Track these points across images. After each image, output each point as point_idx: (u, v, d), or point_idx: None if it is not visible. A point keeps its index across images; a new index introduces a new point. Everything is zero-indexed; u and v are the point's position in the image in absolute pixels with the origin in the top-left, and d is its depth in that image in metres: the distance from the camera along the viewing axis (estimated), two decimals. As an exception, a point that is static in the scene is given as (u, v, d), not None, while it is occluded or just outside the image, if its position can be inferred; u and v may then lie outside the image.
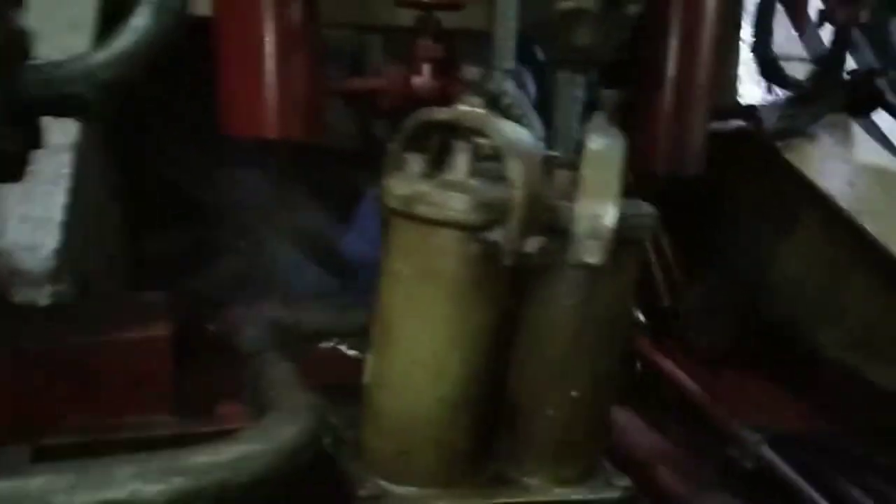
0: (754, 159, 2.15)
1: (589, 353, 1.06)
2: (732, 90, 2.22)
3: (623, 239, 1.01)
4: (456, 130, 1.02)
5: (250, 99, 1.67)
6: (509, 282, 1.02)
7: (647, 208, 1.09)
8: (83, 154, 1.32)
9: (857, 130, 2.24)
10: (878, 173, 2.05)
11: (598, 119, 1.05)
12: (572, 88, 1.61)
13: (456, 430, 1.03)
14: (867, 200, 1.92)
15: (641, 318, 2.23)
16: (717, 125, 2.03)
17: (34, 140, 0.81)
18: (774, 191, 2.14)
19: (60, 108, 0.84)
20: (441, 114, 1.02)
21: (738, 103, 2.17)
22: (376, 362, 1.04)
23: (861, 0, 2.02)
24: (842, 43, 2.11)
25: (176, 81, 1.76)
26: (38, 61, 0.82)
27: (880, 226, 1.83)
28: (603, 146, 0.99)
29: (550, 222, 1.00)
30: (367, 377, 1.06)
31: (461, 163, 1.00)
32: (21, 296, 1.12)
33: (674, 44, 1.87)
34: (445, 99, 1.77)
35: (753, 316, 2.21)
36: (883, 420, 1.84)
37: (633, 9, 1.48)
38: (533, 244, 0.95)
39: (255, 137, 1.69)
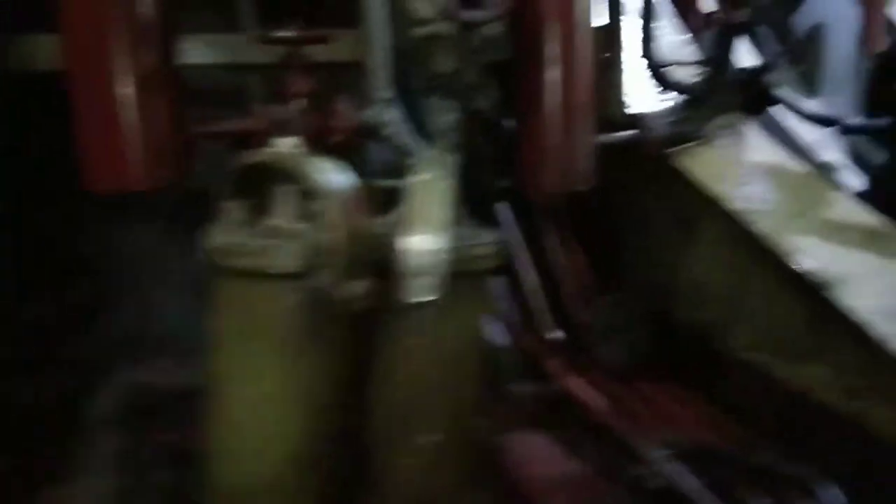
0: (647, 168, 2.14)
1: (438, 394, 1.01)
2: (619, 101, 2.22)
3: (461, 272, 0.97)
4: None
5: (109, 152, 1.60)
6: (347, 327, 0.96)
7: (489, 237, 1.05)
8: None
9: (754, 130, 2.26)
10: (771, 171, 2.05)
11: (431, 153, 1.00)
12: (444, 115, 1.60)
13: (307, 493, 0.97)
14: (759, 200, 1.91)
15: (560, 334, 2.22)
16: (605, 138, 2.03)
17: None
18: (671, 197, 2.14)
19: None
20: (254, 157, 0.96)
21: (626, 114, 2.16)
22: (210, 430, 0.97)
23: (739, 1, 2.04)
24: (725, 44, 2.12)
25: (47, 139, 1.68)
26: None
27: (772, 224, 1.83)
28: (425, 180, 0.94)
29: (385, 261, 0.95)
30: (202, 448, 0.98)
31: (283, 207, 0.95)
32: None
33: (550, 62, 1.86)
34: (323, 135, 1.74)
35: (667, 324, 2.20)
36: (791, 418, 1.83)
37: (491, 31, 1.46)
38: (357, 287, 0.89)
39: (119, 192, 1.62)
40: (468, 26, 1.40)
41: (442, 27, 1.41)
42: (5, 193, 1.76)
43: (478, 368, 1.05)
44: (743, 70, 2.32)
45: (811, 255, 1.73)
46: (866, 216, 1.86)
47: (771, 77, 2.39)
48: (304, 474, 0.95)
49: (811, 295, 1.70)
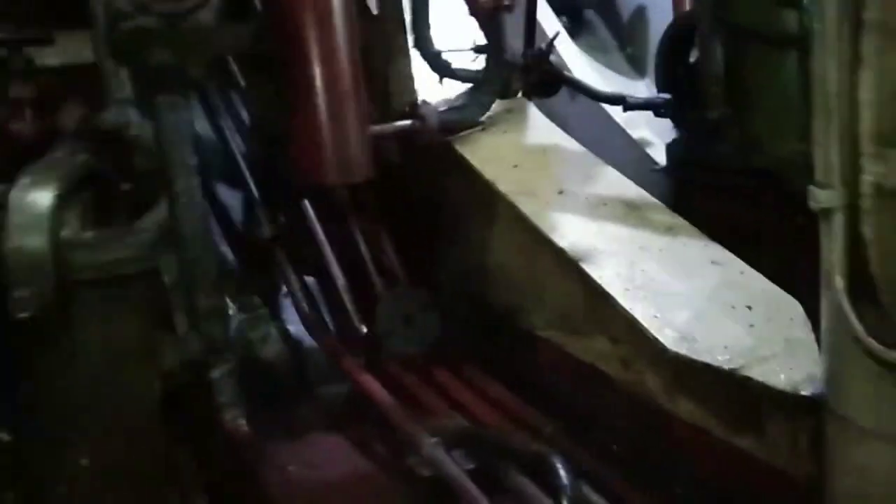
0: (434, 156, 2.13)
1: (89, 414, 0.93)
2: (409, 91, 2.20)
3: (95, 280, 0.90)
4: None
5: None
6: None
7: (140, 239, 0.98)
8: None
9: (535, 113, 2.29)
10: (544, 152, 2.08)
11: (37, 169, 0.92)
12: (174, 112, 1.52)
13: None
14: (527, 181, 1.93)
15: (363, 329, 2.18)
16: (380, 128, 2.00)
17: None
18: (459, 184, 2.13)
19: None
20: None
21: (413, 103, 2.14)
22: None
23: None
24: (495, 29, 2.13)
25: None
26: None
27: (535, 205, 1.84)
28: (27, 188, 0.86)
29: None
30: None
31: None
32: None
33: (310, 54, 1.81)
34: (51, 140, 1.62)
35: (475, 308, 2.20)
36: (581, 391, 1.86)
37: (204, 20, 1.39)
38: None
39: None
40: (173, 18, 1.32)
41: (145, 20, 1.33)
42: None
43: (139, 384, 0.98)
44: (525, 54, 2.36)
45: (568, 231, 1.76)
46: (630, 190, 1.90)
47: (555, 59, 2.43)
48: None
49: (577, 268, 1.72)
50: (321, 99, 1.85)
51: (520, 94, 2.32)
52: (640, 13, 3.87)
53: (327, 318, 2.33)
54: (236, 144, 2.48)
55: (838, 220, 0.95)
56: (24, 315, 0.83)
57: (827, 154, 0.98)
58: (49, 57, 1.71)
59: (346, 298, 2.21)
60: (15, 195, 0.85)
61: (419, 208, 2.37)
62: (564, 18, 3.66)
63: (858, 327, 0.95)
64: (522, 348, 2.06)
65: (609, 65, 3.68)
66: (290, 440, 1.88)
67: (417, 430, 1.63)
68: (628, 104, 2.44)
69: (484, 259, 2.15)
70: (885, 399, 1.00)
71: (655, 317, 1.50)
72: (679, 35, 2.52)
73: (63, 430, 0.93)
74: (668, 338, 1.45)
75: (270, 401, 2.07)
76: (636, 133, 2.93)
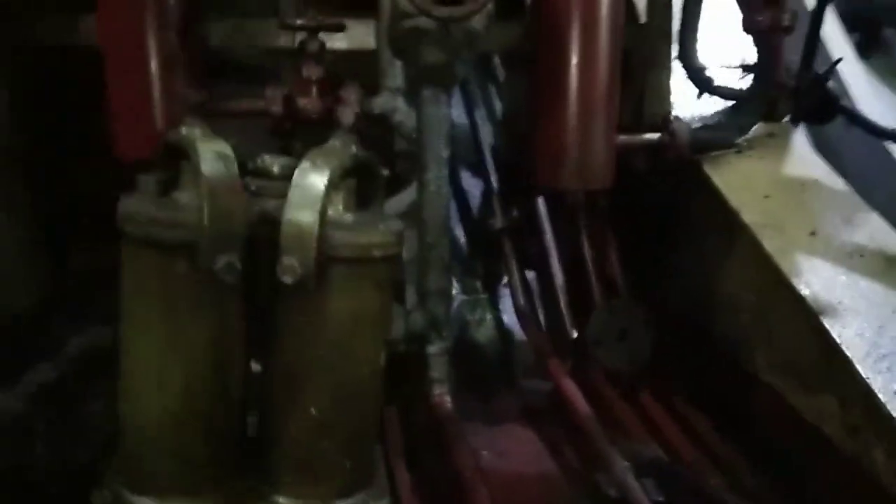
0: (673, 171, 2.06)
1: (324, 371, 1.06)
2: (663, 103, 2.14)
3: (350, 258, 1.02)
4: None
5: (134, 124, 1.77)
6: (234, 298, 1.04)
7: (390, 227, 1.08)
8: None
9: (799, 141, 2.12)
10: (803, 186, 1.92)
11: (332, 140, 1.06)
12: (436, 106, 1.64)
13: (186, 442, 1.06)
14: (776, 216, 1.80)
15: (574, 334, 2.20)
16: (628, 139, 1.98)
17: None
18: (701, 206, 2.05)
19: None
20: (170, 137, 1.06)
21: (666, 115, 2.08)
22: (119, 376, 1.08)
23: (782, 3, 1.91)
24: (768, 49, 2.00)
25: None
26: None
27: (781, 243, 1.72)
28: (307, 171, 1.00)
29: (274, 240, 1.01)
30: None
31: (186, 183, 1.04)
32: None
33: (568, 59, 1.84)
34: (331, 120, 1.83)
35: (692, 334, 2.12)
36: (793, 446, 1.73)
37: (476, 25, 1.48)
38: (221, 262, 0.96)
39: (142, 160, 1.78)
40: (449, 20, 1.42)
41: (422, 21, 1.44)
42: (47, 154, 1.99)
43: (372, 354, 1.10)
44: (800, 75, 2.18)
45: (814, 279, 1.62)
46: (893, 242, 1.70)
47: (833, 85, 2.22)
48: (184, 424, 1.04)
49: (818, 324, 1.59)
50: (573, 102, 1.88)
51: (787, 119, 2.17)
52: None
53: (541, 315, 2.38)
54: (485, 135, 2.60)
55: None
56: (288, 279, 0.96)
57: None
58: (337, 41, 1.91)
59: (562, 299, 2.24)
60: (297, 175, 0.98)
61: (652, 223, 2.31)
62: (857, 35, 3.32)
63: None
64: (739, 388, 1.95)
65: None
66: (488, 426, 1.96)
67: (611, 450, 1.62)
68: (911, 144, 2.17)
69: (713, 288, 2.05)
70: None
71: (897, 392, 1.35)
72: None
73: (301, 380, 1.06)
74: (908, 419, 1.30)
75: (475, 383, 2.17)
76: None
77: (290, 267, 0.97)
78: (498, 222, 2.39)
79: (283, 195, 1.01)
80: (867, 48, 3.45)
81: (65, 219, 2.11)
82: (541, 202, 2.38)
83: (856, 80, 2.98)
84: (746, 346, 1.92)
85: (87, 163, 2.02)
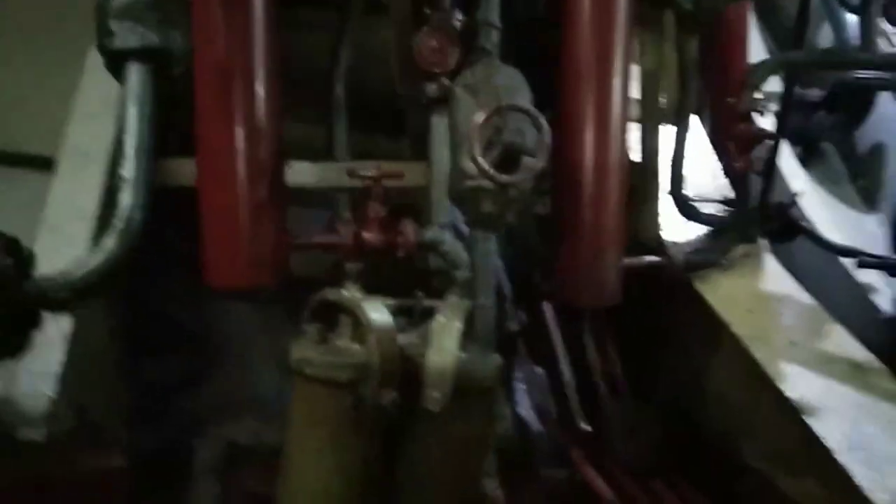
0: (672, 289, 2.45)
1: (447, 481, 1.36)
2: (655, 227, 2.55)
3: (467, 388, 1.34)
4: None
5: (226, 255, 2.07)
6: (384, 424, 1.34)
7: (491, 361, 1.41)
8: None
9: (769, 259, 2.54)
10: (778, 300, 2.32)
11: (452, 300, 1.39)
12: (486, 244, 1.99)
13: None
14: (760, 328, 2.19)
15: (588, 427, 2.52)
16: (633, 260, 2.36)
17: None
18: (691, 317, 2.43)
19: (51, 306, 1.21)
20: (329, 296, 1.37)
21: (658, 239, 2.49)
22: (281, 484, 1.36)
23: (754, 150, 2.36)
24: (743, 186, 2.44)
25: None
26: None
27: (769, 351, 2.10)
28: (446, 317, 1.32)
29: (412, 375, 1.33)
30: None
31: (344, 332, 1.35)
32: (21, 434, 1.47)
33: (586, 195, 2.23)
34: (392, 250, 2.16)
35: (686, 430, 2.46)
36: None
37: (526, 185, 1.85)
38: (388, 397, 1.27)
39: (232, 289, 2.08)
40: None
41: (484, 182, 1.80)
42: (146, 280, 2.26)
43: (480, 466, 1.40)
44: (767, 204, 2.62)
45: (796, 383, 1.99)
46: (856, 351, 2.10)
47: (794, 210, 2.68)
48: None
49: (798, 418, 1.95)
50: (590, 228, 2.25)
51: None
52: (879, 149, 3.95)
53: (553, 409, 2.70)
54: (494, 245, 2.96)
55: None
56: (434, 408, 1.27)
57: None
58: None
59: (572, 397, 2.57)
60: (438, 323, 1.30)
61: (647, 331, 2.68)
62: (799, 149, 3.85)
63: None
64: (730, 473, 2.28)
65: (839, 196, 3.80)
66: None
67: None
68: (863, 262, 2.61)
69: (705, 386, 2.42)
70: None
71: (873, 478, 1.70)
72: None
73: (428, 489, 1.36)
74: (882, 500, 1.65)
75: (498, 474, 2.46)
76: (863, 277, 3.05)
77: (435, 399, 1.28)
78: (512, 325, 2.73)
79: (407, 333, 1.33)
80: (807, 159, 3.98)
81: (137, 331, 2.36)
82: (547, 308, 2.74)
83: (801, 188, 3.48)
84: (735, 437, 2.27)
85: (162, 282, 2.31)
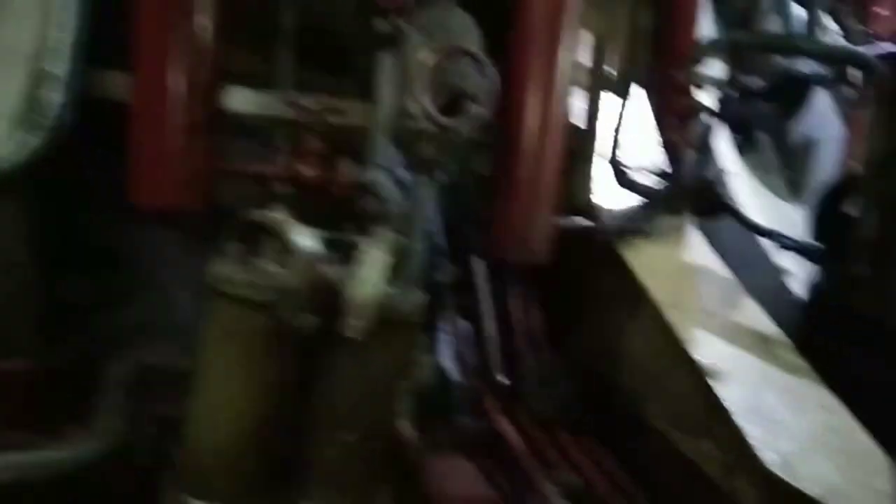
0: (600, 252, 2.51)
1: (363, 407, 1.38)
2: (587, 191, 2.60)
3: (387, 320, 1.35)
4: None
5: (155, 175, 2.01)
6: (300, 347, 1.34)
7: (415, 298, 1.42)
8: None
9: (693, 233, 2.63)
10: (698, 272, 2.41)
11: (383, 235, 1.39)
12: (423, 190, 1.99)
13: (248, 460, 1.34)
14: (677, 296, 2.27)
15: (505, 380, 2.58)
16: (566, 222, 2.41)
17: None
18: (615, 281, 2.50)
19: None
20: (255, 217, 1.35)
21: (590, 203, 2.54)
22: (191, 401, 1.35)
23: (690, 125, 2.42)
24: (677, 159, 2.50)
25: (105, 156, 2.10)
26: None
27: (680, 318, 2.18)
28: (371, 250, 1.32)
29: (336, 301, 1.33)
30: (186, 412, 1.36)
31: (266, 254, 1.34)
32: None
33: (523, 154, 2.25)
34: (326, 186, 2.13)
35: (598, 386, 2.55)
36: (682, 485, 2.16)
37: (467, 130, 1.85)
38: (306, 321, 1.27)
39: (158, 209, 2.03)
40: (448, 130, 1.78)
41: (426, 125, 1.80)
42: (63, 196, 2.18)
43: (398, 396, 1.42)
44: (697, 180, 2.70)
45: (706, 349, 2.08)
46: (765, 324, 2.21)
47: (722, 189, 2.77)
48: (249, 447, 1.32)
49: (704, 382, 2.05)
50: (527, 187, 2.28)
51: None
52: (809, 142, 4.10)
53: (473, 361, 2.75)
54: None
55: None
56: (354, 335, 1.28)
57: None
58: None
59: (493, 350, 2.62)
60: (363, 256, 1.30)
61: (572, 291, 2.75)
62: (736, 136, 3.97)
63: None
64: (635, 431, 2.38)
65: (768, 185, 3.95)
66: (429, 456, 2.29)
67: (541, 475, 2.00)
68: (783, 244, 2.73)
69: (621, 348, 2.50)
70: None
71: (764, 439, 1.81)
72: (841, 191, 2.79)
73: (343, 413, 1.37)
74: (771, 460, 1.76)
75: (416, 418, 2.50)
76: (780, 261, 3.19)
77: (355, 327, 1.29)
78: (443, 276, 2.75)
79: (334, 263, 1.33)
80: (742, 146, 4.10)
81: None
82: (478, 262, 2.77)
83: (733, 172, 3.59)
84: (643, 397, 2.37)
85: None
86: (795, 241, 2.77)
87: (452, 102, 1.85)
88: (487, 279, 2.79)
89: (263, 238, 1.35)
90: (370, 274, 1.30)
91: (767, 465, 1.74)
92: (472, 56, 1.80)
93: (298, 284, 1.26)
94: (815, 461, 1.74)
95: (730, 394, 1.95)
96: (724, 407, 1.94)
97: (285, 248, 1.29)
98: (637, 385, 2.42)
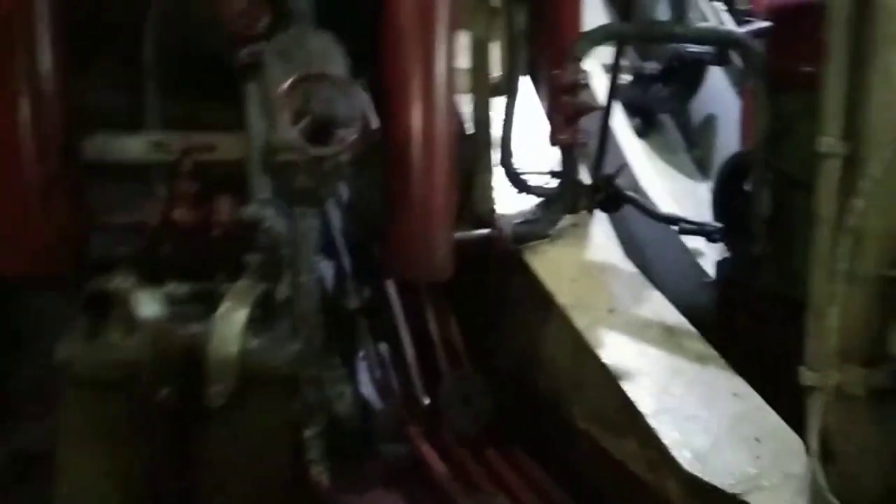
0: (504, 260, 2.46)
1: (245, 471, 1.28)
2: (488, 200, 2.55)
3: (255, 377, 1.26)
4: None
5: (15, 240, 1.85)
6: (166, 421, 1.23)
7: (285, 349, 1.33)
8: None
9: (597, 230, 2.61)
10: (602, 270, 2.39)
11: (241, 284, 1.29)
12: (307, 220, 1.90)
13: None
14: (582, 297, 2.24)
15: (426, 400, 2.51)
16: (463, 235, 2.35)
17: None
18: (523, 288, 2.46)
19: None
20: (100, 286, 1.24)
21: (492, 213, 2.49)
22: (56, 490, 1.23)
23: (578, 125, 2.39)
24: (570, 158, 2.48)
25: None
26: None
27: (587, 320, 2.15)
28: (230, 303, 1.23)
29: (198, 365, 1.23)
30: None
31: (114, 326, 1.23)
32: None
33: (412, 173, 2.17)
34: (206, 227, 2.02)
35: (522, 394, 2.50)
36: (611, 484, 2.13)
37: (343, 159, 1.77)
38: (164, 394, 1.17)
39: (24, 275, 1.88)
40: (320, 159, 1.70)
41: (297, 156, 1.71)
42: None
43: (282, 458, 1.33)
44: (595, 175, 2.69)
45: (613, 349, 2.06)
46: (670, 315, 2.20)
47: (620, 180, 2.76)
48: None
49: (615, 383, 2.02)
50: (419, 206, 2.21)
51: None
52: (710, 120, 4.17)
53: (395, 385, 2.67)
54: (335, 219, 2.87)
55: (816, 402, 1.24)
56: (218, 402, 1.18)
57: (817, 346, 1.27)
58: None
59: (414, 371, 2.55)
60: (220, 313, 1.21)
61: (487, 302, 2.70)
62: (637, 120, 4.00)
63: (823, 484, 1.22)
64: (562, 435, 2.35)
65: (676, 165, 4.00)
66: (356, 493, 2.20)
67: (466, 501, 1.93)
68: (683, 228, 2.74)
69: (537, 353, 2.46)
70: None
71: (677, 438, 1.79)
72: (737, 169, 2.82)
73: (226, 480, 1.28)
74: (685, 458, 1.73)
75: (338, 453, 2.41)
76: (691, 242, 3.22)
77: (218, 393, 1.19)
78: (352, 302, 2.66)
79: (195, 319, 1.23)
80: (645, 129, 4.14)
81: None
82: (390, 284, 2.69)
83: (638, 157, 3.61)
84: (565, 400, 2.33)
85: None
86: (696, 224, 2.79)
87: (320, 129, 1.77)
88: (401, 299, 2.72)
89: (110, 308, 1.24)
90: (228, 331, 1.20)
91: (682, 464, 1.72)
92: (330, 79, 1.72)
93: (151, 356, 1.15)
94: (728, 453, 1.72)
95: (640, 393, 1.92)
96: (637, 408, 1.92)
97: (131, 318, 1.18)
98: (559, 389, 2.38)
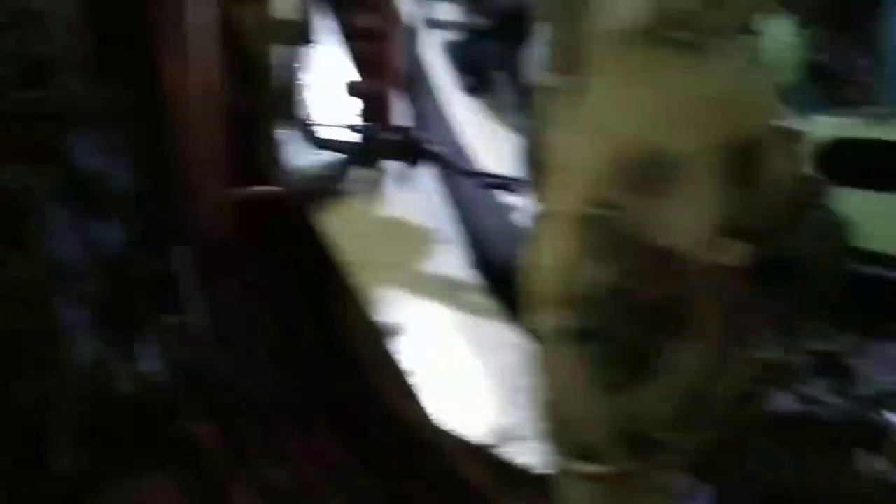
0: (296, 219, 2.32)
1: None
2: (272, 155, 2.38)
3: None
4: None
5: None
6: None
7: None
8: None
9: (392, 185, 2.51)
10: (393, 225, 2.30)
11: None
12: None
13: None
14: (369, 253, 2.14)
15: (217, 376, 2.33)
16: (246, 192, 2.18)
17: None
18: (316, 246, 2.33)
19: None
20: None
21: (280, 168, 2.33)
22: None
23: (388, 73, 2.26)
24: (368, 112, 2.35)
25: None
26: None
27: (370, 276, 2.06)
28: None
29: None
30: None
31: None
32: None
33: (177, 121, 1.99)
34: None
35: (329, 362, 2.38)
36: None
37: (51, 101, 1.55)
38: None
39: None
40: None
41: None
42: None
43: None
44: (397, 129, 2.58)
45: (394, 305, 1.98)
46: (455, 270, 2.14)
47: (422, 135, 2.67)
48: None
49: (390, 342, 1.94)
50: (184, 162, 2.03)
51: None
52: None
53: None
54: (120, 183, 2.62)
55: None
56: None
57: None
58: None
59: (202, 345, 2.38)
60: None
61: (291, 264, 2.55)
62: (471, 77, 3.92)
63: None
64: (368, 405, 2.26)
65: (507, 124, 3.96)
66: (131, 478, 2.02)
67: (240, 480, 1.81)
68: (484, 182, 2.69)
69: (336, 315, 2.34)
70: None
71: (444, 392, 1.73)
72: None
73: None
74: (451, 413, 1.68)
75: (115, 433, 2.21)
76: (508, 197, 3.19)
77: None
78: (139, 272, 2.44)
79: None
80: (478, 88, 4.07)
81: None
82: (179, 252, 2.49)
83: (467, 115, 3.54)
84: (364, 367, 2.24)
85: None
86: (498, 178, 2.74)
87: (33, 72, 1.55)
88: (192, 267, 2.52)
89: None
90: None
91: (447, 419, 1.67)
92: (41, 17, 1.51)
93: None
94: (488, 406, 1.68)
95: (417, 350, 1.86)
96: (407, 364, 1.85)
97: None
98: (358, 352, 2.29)
